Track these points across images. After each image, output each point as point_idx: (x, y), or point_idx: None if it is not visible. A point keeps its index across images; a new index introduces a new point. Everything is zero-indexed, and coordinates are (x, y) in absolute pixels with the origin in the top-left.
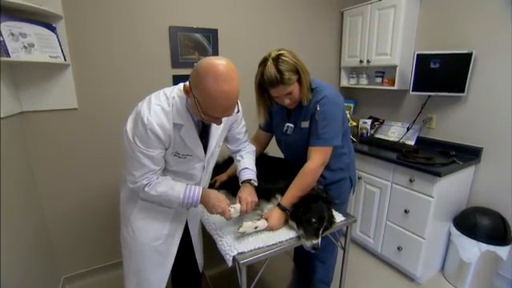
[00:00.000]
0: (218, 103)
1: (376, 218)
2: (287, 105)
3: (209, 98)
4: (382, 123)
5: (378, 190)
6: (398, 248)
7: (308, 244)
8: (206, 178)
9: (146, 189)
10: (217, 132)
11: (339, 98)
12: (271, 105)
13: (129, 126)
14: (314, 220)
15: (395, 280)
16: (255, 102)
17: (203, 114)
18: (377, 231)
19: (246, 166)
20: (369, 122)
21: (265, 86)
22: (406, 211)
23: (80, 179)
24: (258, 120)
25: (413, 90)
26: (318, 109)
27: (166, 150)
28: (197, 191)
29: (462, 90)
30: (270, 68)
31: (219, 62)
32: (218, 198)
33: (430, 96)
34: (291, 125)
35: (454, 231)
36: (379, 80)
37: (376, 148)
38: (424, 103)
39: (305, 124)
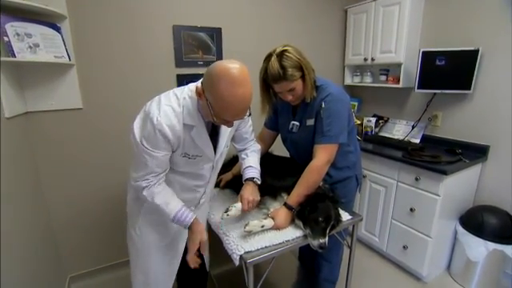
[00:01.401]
0: (232, 107)
1: (381, 217)
2: (290, 101)
3: (222, 102)
4: (386, 121)
5: (384, 189)
6: (404, 247)
7: (315, 243)
8: (214, 177)
9: (145, 193)
10: (226, 132)
11: (344, 96)
12: (276, 100)
13: (136, 125)
14: (320, 219)
15: (401, 279)
16: (259, 99)
17: (216, 117)
18: (382, 230)
19: (250, 164)
20: (373, 120)
21: (268, 82)
22: (411, 210)
23: (85, 180)
24: (262, 116)
25: (418, 88)
26: (323, 106)
27: (174, 151)
28: (189, 217)
29: (469, 88)
30: (274, 63)
31: (232, 66)
32: (197, 237)
33: (435, 94)
34: (296, 123)
35: (461, 230)
36: (383, 78)
37: (381, 146)
38: (429, 101)
39: (310, 122)
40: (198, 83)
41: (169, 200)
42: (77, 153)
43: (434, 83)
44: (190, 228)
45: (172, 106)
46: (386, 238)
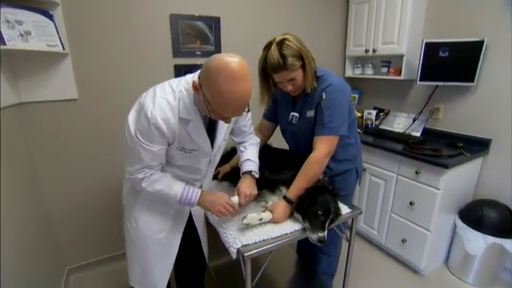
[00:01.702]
0: (230, 104)
1: (380, 210)
2: (290, 91)
3: (220, 98)
4: (387, 114)
5: (383, 182)
6: (403, 240)
7: (314, 237)
8: (211, 171)
9: (143, 184)
10: (224, 126)
11: (345, 87)
12: (275, 91)
13: (131, 117)
14: (320, 213)
15: (399, 272)
16: (258, 89)
17: (212, 113)
18: (381, 223)
19: (249, 157)
20: (374, 112)
21: (268, 71)
22: (411, 203)
23: (82, 173)
24: (260, 107)
25: (420, 80)
26: (324, 97)
27: (170, 145)
28: (195, 193)
29: (472, 80)
30: (274, 52)
31: (231, 60)
32: (215, 195)
33: (437, 86)
34: (296, 114)
35: (460, 223)
36: (385, 70)
37: (381, 139)
38: (431, 93)
39: (310, 113)
40: (196, 76)
41: (171, 183)
42: (73, 145)
43: (436, 75)
44: (200, 203)
45: (167, 99)
46: (385, 232)
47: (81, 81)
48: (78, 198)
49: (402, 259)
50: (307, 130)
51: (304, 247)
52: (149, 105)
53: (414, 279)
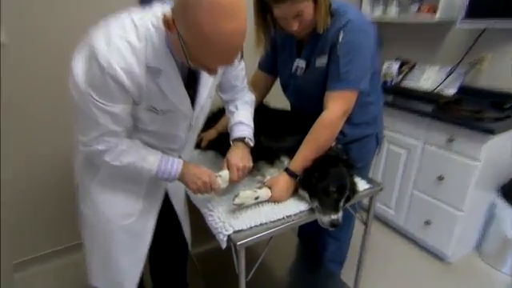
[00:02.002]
0: (216, 49)
1: (399, 186)
2: (295, 32)
3: (201, 40)
4: (412, 67)
5: (405, 152)
6: (426, 222)
7: (325, 220)
8: (193, 138)
9: (107, 158)
10: (209, 79)
11: (368, 25)
12: (274, 32)
13: (76, 65)
14: (332, 189)
15: (420, 259)
16: (253, 27)
17: (191, 61)
18: (400, 201)
19: (241, 119)
20: (396, 65)
21: (266, 1)
22: (439, 178)
23: (20, 145)
24: (256, 53)
25: (465, 17)
26: (341, 38)
27: (137, 104)
28: (175, 164)
29: None
30: None
31: None
32: (200, 169)
33: (484, 30)
34: (302, 62)
35: (501, 203)
36: (415, 7)
37: (404, 99)
38: (476, 39)
39: (321, 60)
40: (167, 8)
41: (143, 152)
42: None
43: (487, 11)
44: (181, 175)
45: (128, 40)
46: (405, 212)
47: (9, 19)
48: (20, 175)
49: (424, 244)
50: (317, 83)
51: (308, 230)
52: (102, 48)
53: (438, 267)
